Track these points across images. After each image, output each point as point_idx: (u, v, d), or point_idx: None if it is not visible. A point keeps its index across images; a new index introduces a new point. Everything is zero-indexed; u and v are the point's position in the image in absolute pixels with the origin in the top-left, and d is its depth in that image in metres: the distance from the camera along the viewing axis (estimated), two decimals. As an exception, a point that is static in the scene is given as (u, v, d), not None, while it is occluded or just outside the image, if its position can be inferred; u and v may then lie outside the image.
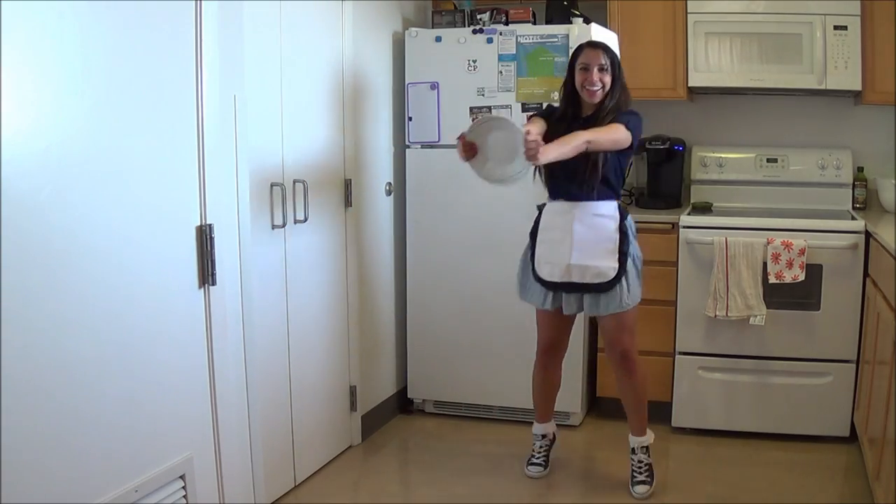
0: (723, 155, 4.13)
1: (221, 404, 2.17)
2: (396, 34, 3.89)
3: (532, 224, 3.12)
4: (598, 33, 3.01)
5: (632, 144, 2.94)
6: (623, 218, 3.00)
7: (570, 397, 3.79)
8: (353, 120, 3.49)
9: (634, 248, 3.03)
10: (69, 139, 1.69)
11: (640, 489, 3.11)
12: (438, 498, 3.15)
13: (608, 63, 2.94)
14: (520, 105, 3.66)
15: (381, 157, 3.79)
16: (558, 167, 2.88)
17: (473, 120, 3.72)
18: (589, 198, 2.96)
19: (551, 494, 3.17)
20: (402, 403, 4.06)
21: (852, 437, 3.49)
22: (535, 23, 3.81)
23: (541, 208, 3.12)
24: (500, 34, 3.67)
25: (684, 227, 3.62)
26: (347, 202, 3.47)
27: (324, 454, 3.39)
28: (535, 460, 3.33)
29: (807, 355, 3.54)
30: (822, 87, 3.67)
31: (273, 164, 2.96)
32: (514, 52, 3.65)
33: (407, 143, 3.87)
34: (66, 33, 1.67)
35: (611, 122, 2.90)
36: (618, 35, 3.89)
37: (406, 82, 3.82)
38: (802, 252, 3.43)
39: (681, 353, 3.69)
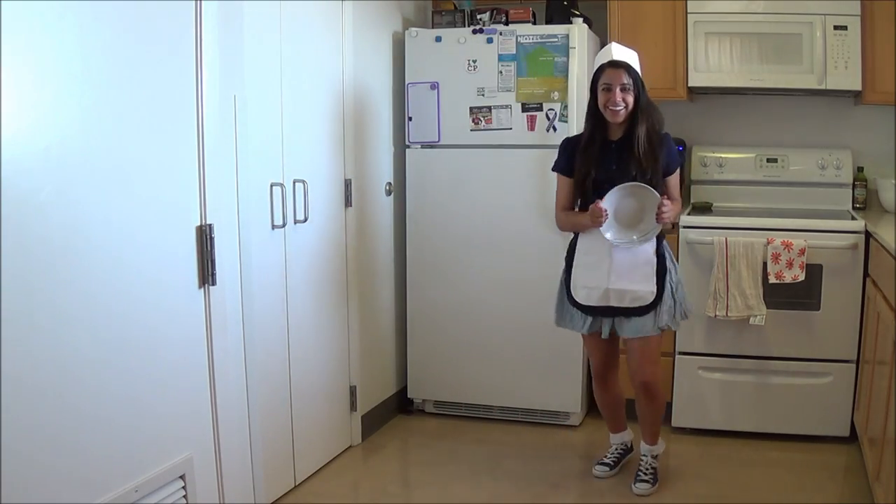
0: (723, 155, 4.12)
1: (221, 404, 2.17)
2: (396, 34, 3.89)
3: (567, 249, 3.11)
4: (619, 51, 2.97)
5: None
6: (660, 243, 3.01)
7: (570, 397, 3.79)
8: (353, 120, 3.49)
9: (674, 271, 3.04)
10: (69, 139, 1.69)
11: (642, 486, 3.13)
12: (438, 498, 3.15)
13: (630, 82, 2.92)
14: (520, 105, 3.67)
15: (381, 157, 3.79)
16: (596, 192, 2.93)
17: (473, 120, 3.72)
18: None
19: (551, 494, 3.17)
20: (402, 403, 4.06)
21: (852, 437, 3.49)
22: (535, 23, 3.81)
23: (575, 233, 3.10)
24: (500, 34, 3.67)
25: (684, 227, 3.62)
26: (347, 202, 3.47)
27: (324, 454, 3.39)
28: (605, 460, 3.34)
29: (807, 355, 3.54)
30: (822, 87, 3.67)
31: (273, 164, 2.96)
32: (514, 52, 3.66)
33: (407, 143, 3.87)
34: (66, 33, 1.67)
35: (654, 148, 2.92)
36: (618, 35, 3.89)
37: (406, 82, 3.82)
38: (802, 252, 3.43)
39: (681, 353, 3.69)
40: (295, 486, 3.17)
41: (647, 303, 2.96)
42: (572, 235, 3.11)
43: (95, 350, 1.77)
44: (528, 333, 3.76)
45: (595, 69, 2.99)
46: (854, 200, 3.97)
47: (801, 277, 3.44)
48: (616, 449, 3.38)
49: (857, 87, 3.65)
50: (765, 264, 3.47)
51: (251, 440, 2.77)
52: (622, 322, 3.01)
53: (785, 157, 4.04)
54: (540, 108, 3.65)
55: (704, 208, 3.92)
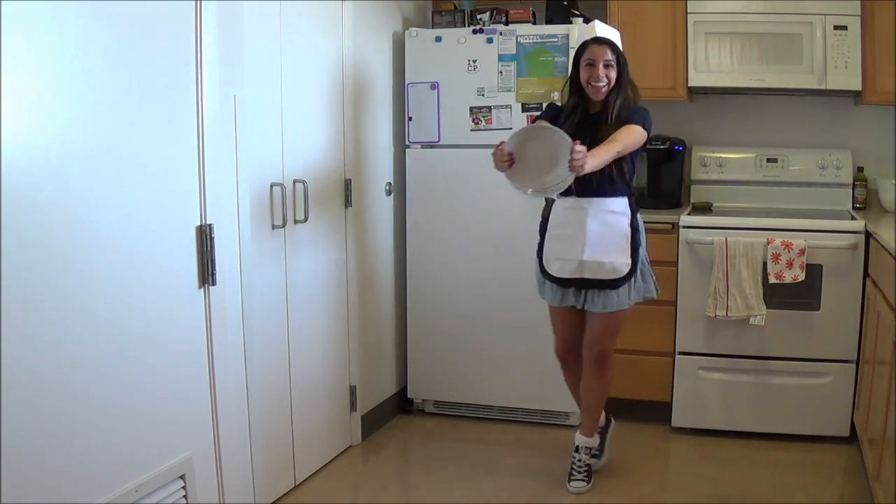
0: (723, 155, 4.13)
1: (221, 404, 2.17)
2: (396, 34, 3.89)
3: (541, 220, 3.11)
4: (603, 29, 3.02)
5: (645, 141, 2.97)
6: (634, 214, 3.01)
7: (570, 397, 3.78)
8: (353, 120, 3.49)
9: (643, 246, 3.04)
10: (69, 139, 1.69)
11: (577, 485, 3.14)
12: (438, 498, 3.15)
13: (614, 59, 2.93)
14: (520, 105, 3.67)
15: (381, 157, 3.79)
16: None
17: (473, 120, 3.72)
18: (602, 194, 2.95)
19: (551, 494, 3.17)
20: (402, 403, 4.06)
21: (852, 437, 3.49)
22: (535, 23, 3.81)
23: (549, 203, 3.08)
24: (500, 34, 3.67)
25: (684, 227, 3.62)
26: (347, 202, 3.47)
27: (324, 454, 3.39)
28: (577, 476, 3.22)
29: (807, 355, 3.54)
30: (822, 87, 3.67)
31: (273, 164, 2.96)
32: (514, 52, 3.66)
33: (407, 143, 3.87)
34: (65, 33, 1.67)
35: (624, 121, 2.90)
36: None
37: (406, 82, 3.83)
38: (802, 252, 3.43)
39: (681, 353, 3.69)
40: (295, 486, 3.17)
41: (622, 275, 2.96)
42: (544, 205, 3.10)
43: (95, 350, 1.77)
44: (528, 333, 3.75)
45: (578, 45, 3.01)
46: (854, 200, 3.97)
47: (801, 277, 3.44)
48: (582, 460, 3.22)
49: (857, 87, 3.65)
50: (765, 264, 3.47)
51: (251, 440, 2.77)
52: (594, 295, 3.00)
53: (785, 157, 4.04)
54: (540, 108, 3.64)
55: (704, 208, 3.92)
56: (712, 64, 3.79)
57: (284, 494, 3.09)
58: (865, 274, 3.41)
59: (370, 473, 3.40)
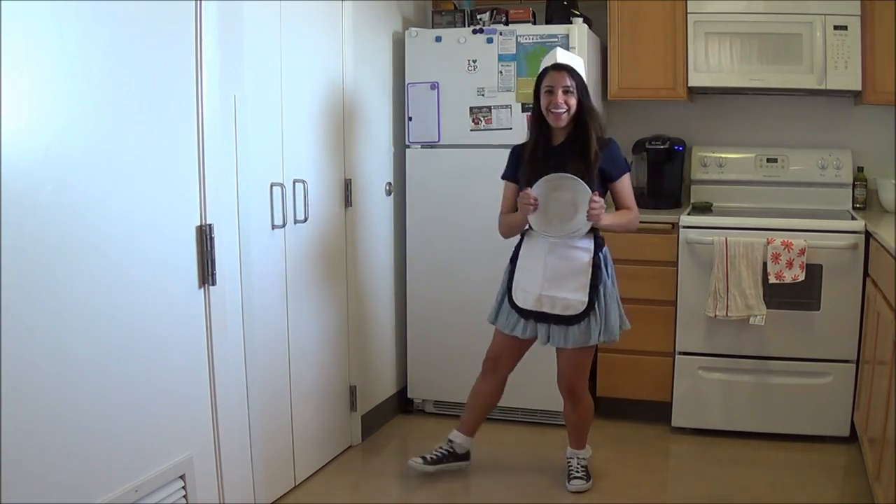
0: (723, 155, 4.13)
1: (221, 404, 2.17)
2: (396, 34, 3.89)
3: (514, 248, 3.10)
4: (564, 55, 2.96)
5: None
6: (598, 249, 2.96)
7: (570, 397, 3.79)
8: (354, 120, 3.49)
9: (609, 283, 2.98)
10: (69, 139, 1.69)
11: (577, 483, 3.15)
12: (438, 498, 3.15)
13: (573, 85, 2.89)
14: (520, 105, 3.66)
15: (381, 157, 3.79)
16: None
17: (473, 120, 3.72)
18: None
19: (551, 494, 3.17)
20: (402, 403, 4.06)
21: (852, 437, 3.49)
22: (535, 23, 3.81)
23: (522, 234, 3.07)
24: (500, 34, 3.67)
25: (684, 227, 3.62)
26: (347, 202, 3.47)
27: (324, 454, 3.39)
28: (425, 454, 3.24)
29: (807, 355, 3.54)
30: (822, 87, 3.67)
31: (273, 164, 2.96)
32: (514, 52, 3.66)
33: (407, 143, 3.87)
34: (66, 33, 1.67)
35: (602, 159, 2.89)
36: (618, 35, 3.90)
37: (406, 82, 3.83)
38: (802, 252, 3.43)
39: (681, 353, 3.69)
40: (295, 486, 3.16)
41: (577, 312, 2.91)
42: (518, 238, 3.09)
43: (95, 350, 1.77)
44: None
45: (538, 74, 2.96)
46: (854, 200, 3.97)
47: (801, 277, 3.44)
48: (444, 449, 3.26)
49: (857, 87, 3.65)
50: (765, 264, 3.47)
51: (251, 440, 2.77)
52: (555, 330, 2.97)
53: (785, 157, 4.04)
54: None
55: (704, 208, 3.92)
56: (712, 64, 3.79)
57: (284, 494, 3.09)
58: (865, 274, 3.41)
59: (370, 473, 3.40)
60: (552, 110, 2.89)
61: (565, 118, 2.90)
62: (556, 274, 2.93)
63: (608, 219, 2.89)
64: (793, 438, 3.57)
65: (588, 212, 2.80)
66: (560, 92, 2.87)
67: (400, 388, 4.04)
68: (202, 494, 2.10)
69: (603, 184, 2.96)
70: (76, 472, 1.73)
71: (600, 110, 3.98)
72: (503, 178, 3.11)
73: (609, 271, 3.00)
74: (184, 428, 2.05)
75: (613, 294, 3.00)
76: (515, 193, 3.00)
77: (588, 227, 2.88)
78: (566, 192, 2.86)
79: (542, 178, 2.85)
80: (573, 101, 2.90)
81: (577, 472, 3.18)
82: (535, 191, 2.85)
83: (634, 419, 3.83)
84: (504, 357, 3.16)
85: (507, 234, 3.11)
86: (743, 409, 3.63)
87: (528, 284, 2.98)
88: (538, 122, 2.97)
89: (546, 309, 2.95)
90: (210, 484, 2.14)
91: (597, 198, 2.80)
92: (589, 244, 2.94)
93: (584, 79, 2.96)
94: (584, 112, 2.91)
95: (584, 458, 3.23)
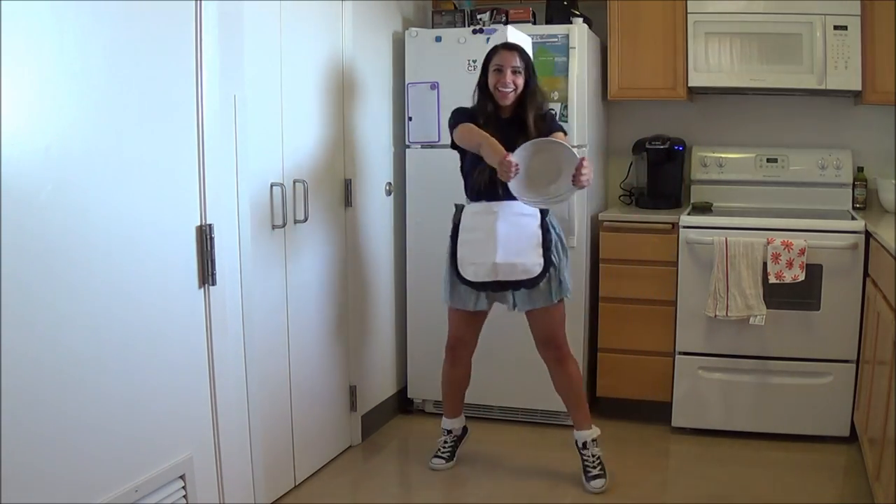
0: (723, 155, 4.13)
1: (221, 404, 2.17)
2: (396, 34, 3.89)
3: (451, 226, 3.14)
4: (514, 35, 3.03)
5: None
6: (545, 215, 3.05)
7: (570, 397, 3.79)
8: (353, 120, 3.49)
9: (560, 246, 3.07)
10: (69, 139, 1.69)
11: (597, 483, 3.13)
12: (438, 498, 3.15)
13: (522, 66, 2.97)
14: (520, 105, 3.66)
15: (381, 157, 3.79)
16: (480, 171, 2.96)
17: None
18: (511, 197, 2.89)
19: (551, 494, 3.17)
20: (402, 403, 4.06)
21: (852, 437, 3.49)
22: (535, 23, 3.81)
23: (459, 209, 3.13)
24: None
25: (684, 227, 3.63)
26: (347, 202, 3.47)
27: (324, 454, 3.39)
28: (440, 454, 3.39)
29: (807, 355, 3.54)
30: (822, 87, 3.67)
31: (273, 164, 2.96)
32: (514, 52, 3.65)
33: (407, 143, 3.87)
34: (66, 33, 1.67)
35: (543, 130, 2.95)
36: (618, 35, 3.89)
37: (406, 82, 3.83)
38: (802, 252, 3.43)
39: (681, 353, 3.69)
40: (295, 486, 3.17)
41: (535, 275, 3.00)
42: (454, 211, 3.13)
43: (95, 350, 1.77)
44: (528, 333, 3.74)
45: (488, 51, 3.03)
46: (854, 200, 3.97)
47: (801, 277, 3.44)
48: (445, 441, 3.40)
49: (857, 87, 3.65)
50: (765, 264, 3.47)
51: (251, 440, 2.77)
52: (520, 296, 3.05)
53: (785, 157, 4.04)
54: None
55: (704, 208, 3.92)
56: (712, 64, 3.79)
57: (284, 494, 3.09)
58: (865, 274, 3.41)
59: (370, 473, 3.40)
60: (500, 88, 2.96)
61: (512, 97, 2.98)
62: (510, 241, 3.00)
63: (591, 180, 2.83)
64: (793, 438, 3.57)
65: (576, 179, 2.72)
66: (509, 71, 2.95)
67: (400, 388, 4.05)
68: (202, 494, 2.10)
69: None
70: (76, 471, 1.73)
71: (600, 110, 4.00)
72: (458, 123, 3.04)
73: (557, 232, 3.07)
74: (184, 428, 2.05)
75: (562, 254, 3.07)
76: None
77: (572, 194, 2.87)
78: (549, 154, 2.77)
79: (526, 143, 2.77)
80: (521, 81, 2.97)
81: (595, 466, 3.17)
82: (517, 156, 2.72)
83: (634, 419, 3.83)
84: (465, 337, 3.26)
85: (468, 144, 2.99)
86: (743, 409, 3.63)
87: (479, 256, 3.02)
88: (484, 95, 3.04)
89: (503, 277, 3.01)
90: (210, 484, 2.14)
91: (586, 162, 2.73)
92: (535, 211, 3.02)
93: (531, 58, 3.03)
94: (527, 92, 2.99)
95: (596, 444, 3.20)
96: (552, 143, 2.79)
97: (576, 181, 2.72)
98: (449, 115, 3.75)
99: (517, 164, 2.72)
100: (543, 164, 2.78)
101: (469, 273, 3.05)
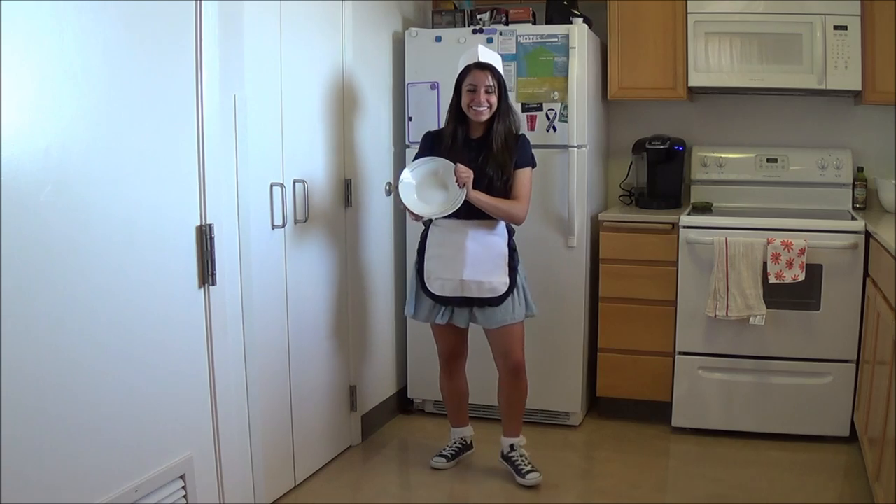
0: (723, 155, 4.12)
1: (221, 404, 2.17)
2: (396, 34, 3.89)
3: (419, 240, 3.21)
4: (486, 54, 3.09)
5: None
6: (511, 236, 3.15)
7: (570, 397, 3.79)
8: (353, 120, 3.49)
9: (520, 266, 3.17)
10: (69, 139, 1.69)
11: (533, 476, 3.20)
12: (438, 498, 3.15)
13: (495, 84, 3.03)
14: (520, 105, 3.66)
15: (381, 157, 3.79)
16: None
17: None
18: (480, 217, 3.06)
19: (551, 494, 3.17)
20: (402, 403, 4.06)
21: (852, 437, 3.49)
22: (535, 23, 3.81)
23: (427, 224, 3.19)
24: (500, 34, 3.67)
25: (684, 227, 3.62)
26: (347, 202, 3.47)
27: (324, 454, 3.39)
28: (443, 452, 3.41)
29: (807, 355, 3.54)
30: (822, 87, 3.67)
31: (273, 164, 2.96)
32: (514, 52, 3.65)
33: (407, 143, 3.87)
34: (66, 33, 1.67)
35: (510, 148, 3.05)
36: (618, 35, 3.89)
37: (406, 82, 3.82)
38: (802, 252, 3.43)
39: (681, 353, 3.69)
40: (295, 486, 3.17)
41: (501, 293, 3.08)
42: (423, 228, 3.22)
43: (95, 350, 1.77)
44: (528, 333, 3.75)
45: (460, 70, 3.08)
46: (854, 200, 3.97)
47: (801, 277, 3.44)
48: (456, 443, 3.44)
49: (857, 87, 3.65)
50: (765, 264, 3.47)
51: (251, 440, 2.77)
52: (483, 313, 3.12)
53: (785, 157, 4.04)
54: (540, 108, 3.65)
55: (704, 208, 3.92)
56: (712, 64, 3.79)
57: (284, 494, 3.09)
58: (865, 274, 3.41)
59: (370, 473, 3.40)
60: (474, 107, 3.02)
61: (486, 114, 3.04)
62: (478, 259, 3.07)
63: (476, 193, 2.99)
64: (793, 438, 3.57)
65: (458, 179, 2.95)
66: (483, 91, 3.01)
67: (400, 388, 4.04)
68: (202, 494, 2.10)
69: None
70: (76, 472, 1.73)
71: (600, 110, 4.00)
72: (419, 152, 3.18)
73: (518, 255, 3.17)
74: (184, 428, 2.05)
75: (524, 274, 3.19)
76: None
77: (464, 194, 2.97)
78: (431, 175, 3.04)
79: (398, 184, 3.04)
80: (494, 100, 3.04)
81: (527, 463, 3.25)
82: (406, 200, 3.01)
83: (634, 419, 3.83)
84: (455, 349, 3.31)
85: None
86: (743, 409, 3.63)
87: (446, 272, 3.09)
88: (457, 116, 3.10)
89: (468, 293, 3.08)
90: (210, 484, 2.14)
91: (462, 166, 2.96)
92: (503, 231, 3.13)
93: (503, 76, 3.10)
94: (499, 112, 3.05)
95: (523, 448, 3.30)
96: (428, 160, 3.04)
97: (459, 180, 2.96)
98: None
99: (413, 203, 3.00)
100: (432, 184, 3.04)
101: (436, 288, 3.11)
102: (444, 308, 3.15)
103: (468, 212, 3.03)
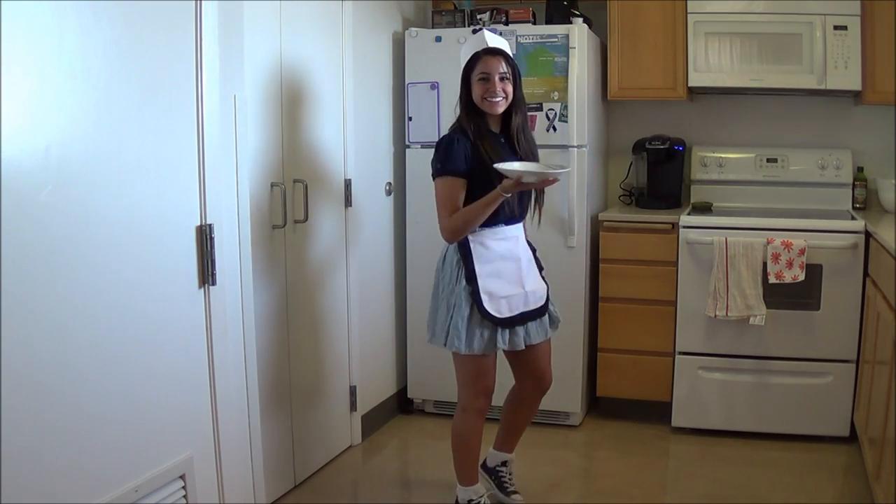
0: (723, 155, 4.13)
1: (221, 404, 2.17)
2: (396, 34, 3.89)
3: (457, 266, 2.70)
4: (493, 39, 2.75)
5: None
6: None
7: (570, 397, 3.79)
8: (353, 120, 3.49)
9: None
10: (69, 139, 1.69)
11: (517, 497, 3.03)
12: (438, 498, 3.15)
13: (508, 71, 2.67)
14: (520, 105, 3.66)
15: (381, 157, 3.79)
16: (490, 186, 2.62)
17: None
18: (520, 220, 2.80)
19: (551, 494, 3.17)
20: (402, 403, 4.06)
21: (852, 437, 3.49)
22: (535, 23, 3.81)
23: (462, 242, 2.70)
24: (500, 34, 3.66)
25: (684, 227, 3.63)
26: (347, 202, 3.47)
27: (324, 454, 3.39)
28: (513, 488, 3.08)
29: (807, 355, 3.54)
30: (822, 87, 3.67)
31: (273, 164, 2.97)
32: (514, 52, 3.64)
33: (407, 143, 3.87)
34: (66, 33, 1.67)
35: (530, 143, 2.75)
36: (618, 35, 3.89)
37: (406, 82, 3.83)
38: (802, 252, 3.43)
39: (681, 353, 3.69)
40: (295, 486, 3.17)
41: (544, 300, 2.80)
42: (452, 248, 2.75)
43: (95, 350, 1.77)
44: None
45: (468, 58, 2.71)
46: (854, 200, 3.97)
47: (801, 277, 3.44)
48: (507, 473, 3.10)
49: (857, 87, 3.65)
50: (765, 264, 3.47)
51: (251, 440, 2.77)
52: (533, 327, 2.78)
53: (785, 157, 4.04)
54: (540, 108, 3.65)
55: (704, 208, 3.92)
56: (712, 64, 3.79)
57: (284, 494, 3.09)
58: (865, 274, 3.41)
59: (370, 473, 3.40)
60: (489, 98, 2.65)
61: (503, 105, 2.68)
62: (529, 264, 2.79)
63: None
64: (793, 438, 3.57)
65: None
66: (497, 79, 2.65)
67: (400, 388, 4.05)
68: (202, 494, 2.10)
69: None
70: (76, 471, 1.73)
71: (600, 110, 4.01)
72: (449, 173, 2.66)
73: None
74: (184, 428, 2.05)
75: None
76: (463, 188, 2.66)
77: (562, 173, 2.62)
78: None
79: (514, 164, 2.61)
80: (510, 89, 2.68)
81: (513, 483, 3.06)
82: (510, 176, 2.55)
83: (634, 419, 3.83)
84: (493, 382, 2.84)
85: (467, 229, 2.66)
86: (743, 409, 3.63)
87: (510, 287, 2.71)
88: (471, 110, 2.70)
89: (535, 305, 2.76)
90: (210, 484, 2.14)
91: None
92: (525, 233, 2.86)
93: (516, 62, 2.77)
94: (516, 101, 2.71)
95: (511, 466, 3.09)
96: (531, 173, 2.58)
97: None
98: (449, 114, 3.69)
99: (518, 179, 2.54)
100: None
101: (503, 308, 2.68)
102: (502, 331, 2.69)
103: (513, 217, 2.72)
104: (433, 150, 2.76)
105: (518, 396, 2.97)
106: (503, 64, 2.68)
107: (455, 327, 2.70)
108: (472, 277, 2.68)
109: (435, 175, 2.70)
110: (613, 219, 3.81)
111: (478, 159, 2.65)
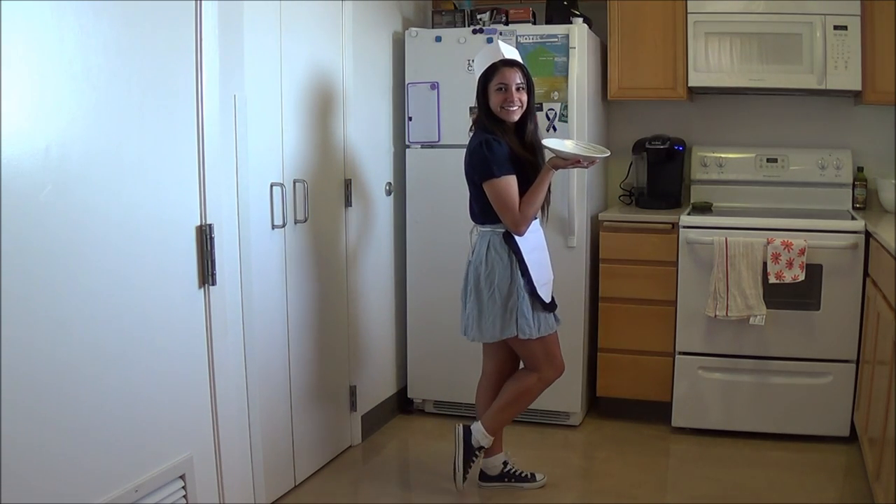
0: (723, 155, 4.12)
1: (221, 404, 2.17)
2: (396, 34, 3.89)
3: (509, 258, 2.91)
4: (509, 50, 2.96)
5: None
6: None
7: (571, 397, 3.79)
8: (354, 120, 3.49)
9: None
10: (69, 139, 1.69)
11: (539, 475, 3.21)
12: (438, 499, 3.15)
13: (524, 81, 2.92)
14: (520, 105, 3.66)
15: (381, 157, 3.79)
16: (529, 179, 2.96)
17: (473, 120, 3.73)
18: (543, 212, 3.07)
19: (551, 494, 3.17)
20: (402, 403, 4.06)
21: (852, 437, 3.49)
22: (535, 23, 3.81)
23: (501, 233, 2.93)
24: (500, 34, 3.67)
25: (684, 227, 3.63)
26: (347, 202, 3.47)
27: (324, 454, 3.39)
28: (527, 473, 3.22)
29: (807, 355, 3.54)
30: (822, 87, 3.67)
31: (273, 164, 2.97)
32: (514, 52, 3.65)
33: (407, 143, 3.87)
34: (66, 33, 1.67)
35: (541, 149, 2.98)
36: (618, 35, 3.89)
37: (406, 82, 3.83)
38: (802, 252, 3.43)
39: (681, 353, 3.69)
40: (295, 486, 3.17)
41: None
42: (498, 239, 2.94)
43: (95, 350, 1.77)
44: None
45: (484, 69, 2.93)
46: (854, 200, 3.97)
47: (801, 277, 3.44)
48: (513, 466, 3.24)
49: (857, 87, 3.65)
50: (765, 264, 3.47)
51: (251, 440, 2.77)
52: (557, 313, 3.07)
53: (785, 157, 4.04)
54: (540, 108, 3.64)
55: (704, 208, 3.92)
56: (712, 64, 3.79)
57: (284, 494, 3.09)
58: (865, 274, 3.41)
59: (370, 473, 3.40)
60: (507, 107, 2.89)
61: (519, 114, 2.93)
62: (548, 256, 3.09)
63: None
64: (793, 438, 3.57)
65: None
66: (514, 89, 2.88)
67: (400, 388, 4.05)
68: (202, 494, 2.10)
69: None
70: (76, 472, 1.73)
71: (600, 110, 4.01)
72: (506, 173, 2.88)
73: None
74: (184, 428, 2.05)
75: None
76: (515, 183, 2.91)
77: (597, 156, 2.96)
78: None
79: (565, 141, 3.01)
80: (525, 98, 2.93)
81: (524, 471, 3.20)
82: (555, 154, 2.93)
83: (634, 419, 3.83)
84: (561, 354, 3.10)
85: (535, 210, 2.94)
86: (743, 409, 3.63)
87: (546, 274, 3.03)
88: (493, 117, 2.93)
89: (553, 293, 3.05)
90: (210, 484, 2.14)
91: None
92: None
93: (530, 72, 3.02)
94: (529, 109, 2.96)
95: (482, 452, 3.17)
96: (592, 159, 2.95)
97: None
98: (449, 114, 3.72)
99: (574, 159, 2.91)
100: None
101: (545, 293, 2.98)
102: (549, 314, 2.99)
103: (545, 205, 3.02)
104: (468, 154, 2.98)
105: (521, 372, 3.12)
106: (519, 75, 2.91)
107: (523, 316, 2.91)
108: (525, 269, 2.91)
109: (490, 177, 2.88)
110: (613, 219, 3.81)
111: (514, 156, 2.90)
